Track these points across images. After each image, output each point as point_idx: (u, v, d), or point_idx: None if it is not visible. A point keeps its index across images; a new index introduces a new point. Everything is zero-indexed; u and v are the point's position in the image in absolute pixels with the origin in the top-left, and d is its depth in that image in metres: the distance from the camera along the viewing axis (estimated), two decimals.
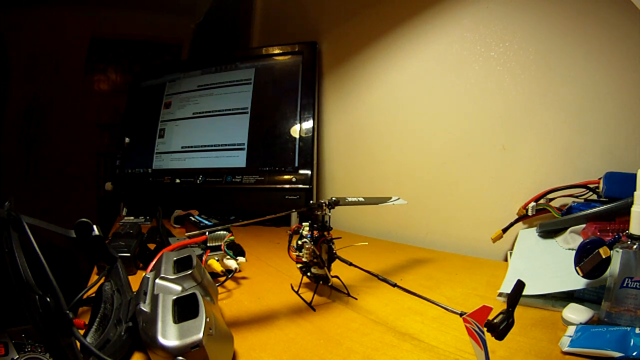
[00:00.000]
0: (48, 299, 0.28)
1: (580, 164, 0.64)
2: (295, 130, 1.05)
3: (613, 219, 0.50)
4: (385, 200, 0.58)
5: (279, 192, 1.01)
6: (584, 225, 0.53)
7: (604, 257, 0.40)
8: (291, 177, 1.01)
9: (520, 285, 0.31)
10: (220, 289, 0.53)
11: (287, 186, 1.00)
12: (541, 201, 0.65)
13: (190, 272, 0.39)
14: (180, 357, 0.29)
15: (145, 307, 0.35)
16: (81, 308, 0.45)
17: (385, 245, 0.84)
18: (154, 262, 0.46)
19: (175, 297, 0.34)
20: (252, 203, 1.03)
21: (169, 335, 0.30)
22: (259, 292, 0.54)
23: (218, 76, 1.18)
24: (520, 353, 0.36)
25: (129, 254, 0.58)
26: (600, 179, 0.57)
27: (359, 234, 0.93)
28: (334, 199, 0.48)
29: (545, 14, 0.67)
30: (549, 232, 0.60)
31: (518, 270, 0.55)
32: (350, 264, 0.47)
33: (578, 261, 0.43)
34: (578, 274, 0.43)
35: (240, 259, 0.58)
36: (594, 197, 0.59)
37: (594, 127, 0.63)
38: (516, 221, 0.68)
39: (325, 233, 0.48)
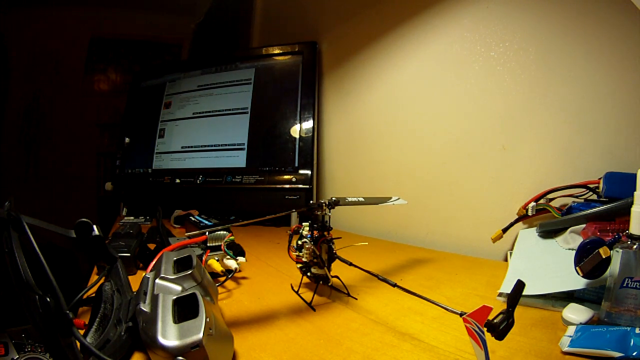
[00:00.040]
0: (48, 299, 0.28)
1: (580, 164, 0.64)
2: (295, 130, 1.05)
3: (613, 219, 0.50)
4: (385, 200, 0.58)
5: (279, 192, 1.01)
6: (584, 225, 0.53)
7: (604, 257, 0.40)
8: (291, 177, 1.01)
9: (520, 285, 0.31)
10: (220, 289, 0.53)
11: (287, 186, 1.00)
12: (541, 201, 0.65)
13: (190, 272, 0.39)
14: (180, 357, 0.29)
15: (145, 307, 0.35)
16: (81, 308, 0.45)
17: (385, 245, 0.84)
18: (154, 262, 0.46)
19: (175, 297, 0.34)
20: (252, 203, 1.03)
21: (169, 335, 0.30)
22: (259, 292, 0.54)
23: (218, 76, 1.18)
24: (520, 353, 0.36)
25: (129, 254, 0.58)
26: (600, 179, 0.57)
27: (359, 234, 0.93)
28: (334, 199, 0.48)
29: (545, 14, 0.67)
30: (549, 232, 0.60)
31: (518, 270, 0.55)
32: (350, 264, 0.47)
33: (578, 261, 0.43)
34: (578, 274, 0.43)
35: (240, 259, 0.58)
36: (594, 197, 0.59)
37: (594, 127, 0.63)
38: (516, 221, 0.68)
39: (325, 233, 0.48)
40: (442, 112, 0.84)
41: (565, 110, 0.66)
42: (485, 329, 0.29)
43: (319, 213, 0.48)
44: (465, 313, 0.30)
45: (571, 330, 0.38)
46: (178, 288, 0.38)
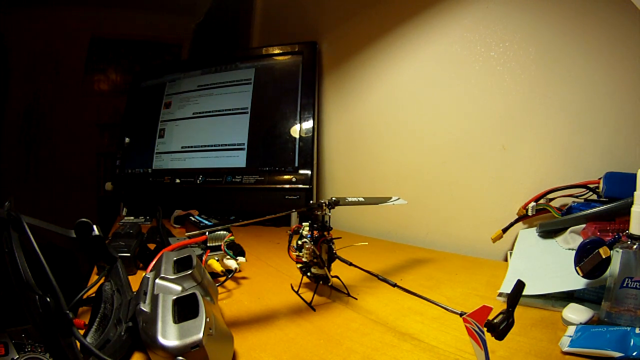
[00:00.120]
0: (48, 299, 0.28)
1: (580, 164, 0.64)
2: (295, 130, 1.05)
3: (613, 219, 0.50)
4: (385, 200, 0.58)
5: (279, 192, 1.01)
6: (584, 225, 0.53)
7: (604, 257, 0.40)
8: (291, 177, 1.01)
9: (520, 285, 0.31)
10: (220, 289, 0.53)
11: (287, 186, 1.00)
12: (541, 201, 0.65)
13: (190, 272, 0.39)
14: (180, 357, 0.29)
15: (145, 307, 0.35)
16: (81, 308, 0.45)
17: (385, 245, 0.84)
18: (154, 262, 0.46)
19: (175, 297, 0.34)
20: (252, 203, 1.03)
21: (169, 335, 0.30)
22: (259, 292, 0.54)
23: (218, 76, 1.18)
24: (520, 353, 0.36)
25: (129, 254, 0.58)
26: (600, 179, 0.57)
27: (359, 234, 0.93)
28: (334, 199, 0.48)
29: (545, 14, 0.67)
30: (549, 232, 0.60)
31: (518, 270, 0.55)
32: (350, 264, 0.47)
33: (578, 261, 0.43)
34: (578, 274, 0.43)
35: (240, 259, 0.58)
36: (594, 197, 0.59)
37: (594, 127, 0.63)
38: (516, 221, 0.68)
39: (325, 233, 0.48)
40: (442, 112, 0.84)
41: (565, 110, 0.66)
42: (485, 329, 0.29)
43: (319, 213, 0.48)
44: (465, 313, 0.30)
45: (571, 330, 0.38)
46: (178, 288, 0.38)
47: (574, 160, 0.65)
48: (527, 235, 0.64)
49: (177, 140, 1.18)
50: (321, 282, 0.50)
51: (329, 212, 0.48)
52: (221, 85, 1.17)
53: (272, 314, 0.46)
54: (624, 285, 0.38)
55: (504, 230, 0.68)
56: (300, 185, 0.99)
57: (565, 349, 0.36)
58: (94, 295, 0.42)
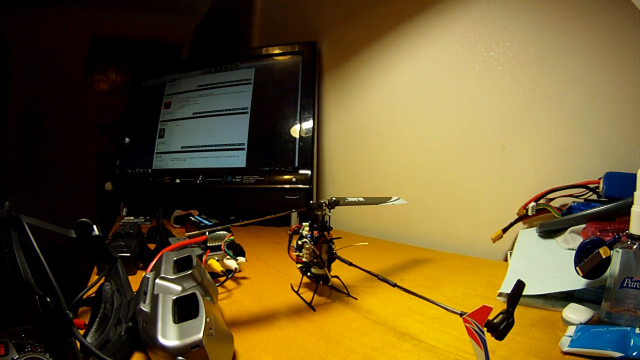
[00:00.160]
0: (48, 299, 0.28)
1: (580, 164, 0.64)
2: (295, 130, 1.05)
3: (613, 219, 0.50)
4: (385, 200, 0.58)
5: (279, 192, 1.01)
6: (584, 225, 0.53)
7: (604, 257, 0.40)
8: (291, 177, 1.01)
9: (520, 285, 0.31)
10: (220, 289, 0.53)
11: (287, 186, 1.00)
12: (541, 201, 0.65)
13: (190, 272, 0.39)
14: (180, 357, 0.29)
15: (145, 307, 0.35)
16: (81, 308, 0.45)
17: (385, 245, 0.84)
18: (154, 262, 0.46)
19: (175, 297, 0.34)
20: (252, 203, 1.03)
21: (169, 335, 0.30)
22: (259, 292, 0.54)
23: (218, 76, 1.18)
24: (520, 353, 0.36)
25: (129, 254, 0.58)
26: (600, 179, 0.57)
27: (359, 234, 0.93)
28: (334, 199, 0.48)
29: (545, 14, 0.67)
30: (549, 232, 0.60)
31: (518, 270, 0.55)
32: (350, 264, 0.47)
33: (578, 261, 0.43)
34: (578, 274, 0.43)
35: (240, 259, 0.58)
36: (594, 197, 0.59)
37: (594, 127, 0.63)
38: (516, 221, 0.68)
39: (325, 233, 0.48)
40: (442, 112, 0.84)
41: (565, 110, 0.66)
42: (485, 329, 0.29)
43: (319, 213, 0.48)
44: (465, 313, 0.30)
45: (571, 330, 0.38)
46: (178, 288, 0.38)
47: (574, 160, 0.65)
48: (527, 235, 0.64)
49: (177, 140, 1.18)
50: (321, 282, 0.50)
51: (329, 212, 0.48)
52: (221, 85, 1.17)
53: (272, 314, 0.46)
54: (624, 285, 0.38)
55: (504, 230, 0.68)
56: (300, 185, 0.99)
57: (565, 349, 0.36)
58: (94, 295, 0.42)
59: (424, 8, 0.84)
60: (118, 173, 1.25)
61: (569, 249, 0.53)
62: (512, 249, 0.65)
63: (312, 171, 1.01)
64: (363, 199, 0.53)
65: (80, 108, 1.62)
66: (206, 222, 0.82)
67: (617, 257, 0.39)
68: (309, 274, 0.50)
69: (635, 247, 0.38)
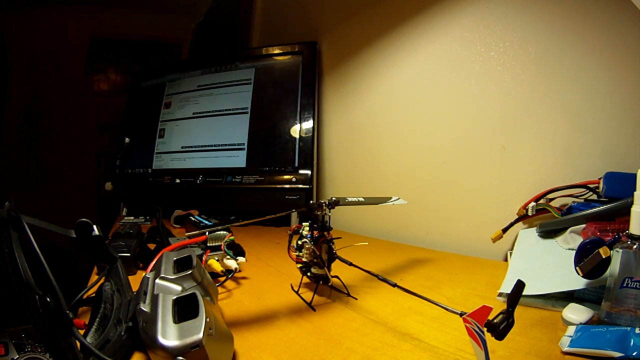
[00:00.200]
0: (48, 299, 0.28)
1: (580, 164, 0.64)
2: (295, 130, 1.05)
3: (613, 219, 0.50)
4: (385, 200, 0.58)
5: (279, 192, 1.01)
6: (584, 225, 0.53)
7: (604, 257, 0.40)
8: (291, 177, 1.01)
9: (520, 285, 0.31)
10: (220, 289, 0.53)
11: (287, 186, 1.00)
12: (541, 201, 0.65)
13: (190, 272, 0.39)
14: (180, 357, 0.29)
15: (145, 307, 0.35)
16: (81, 308, 0.45)
17: (385, 245, 0.84)
18: (154, 262, 0.46)
19: (175, 297, 0.34)
20: (252, 203, 1.03)
21: (169, 335, 0.30)
22: (259, 292, 0.54)
23: (218, 76, 1.18)
24: (520, 353, 0.36)
25: (129, 254, 0.58)
26: (600, 179, 0.57)
27: (359, 234, 0.93)
28: (334, 199, 0.48)
29: (545, 14, 0.67)
30: (549, 232, 0.60)
31: (518, 270, 0.55)
32: (350, 264, 0.47)
33: (578, 261, 0.43)
34: (578, 274, 0.43)
35: (240, 259, 0.58)
36: (594, 197, 0.59)
37: (594, 127, 0.63)
38: (516, 221, 0.68)
39: (325, 233, 0.48)
40: (442, 112, 0.84)
41: (565, 110, 0.66)
42: (485, 329, 0.29)
43: (319, 213, 0.48)
44: (465, 313, 0.30)
45: (571, 330, 0.38)
46: (178, 288, 0.38)
47: (574, 160, 0.65)
48: (527, 235, 0.64)
49: (177, 140, 1.18)
50: (321, 282, 0.50)
51: (329, 212, 0.48)
52: (221, 85, 1.17)
53: (272, 314, 0.46)
54: (624, 285, 0.38)
55: (504, 230, 0.68)
56: (300, 185, 0.99)
57: (565, 349, 0.36)
58: (94, 295, 0.42)
59: (424, 8, 0.84)
60: (118, 173, 1.25)
61: (569, 249, 0.53)
62: (512, 249, 0.65)
63: (312, 171, 1.01)
64: (363, 199, 0.53)
65: (80, 108, 1.62)
66: (206, 222, 0.82)
67: (617, 257, 0.39)
68: (309, 274, 0.50)
69: (635, 247, 0.38)
